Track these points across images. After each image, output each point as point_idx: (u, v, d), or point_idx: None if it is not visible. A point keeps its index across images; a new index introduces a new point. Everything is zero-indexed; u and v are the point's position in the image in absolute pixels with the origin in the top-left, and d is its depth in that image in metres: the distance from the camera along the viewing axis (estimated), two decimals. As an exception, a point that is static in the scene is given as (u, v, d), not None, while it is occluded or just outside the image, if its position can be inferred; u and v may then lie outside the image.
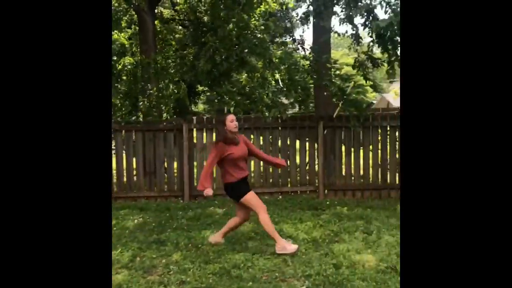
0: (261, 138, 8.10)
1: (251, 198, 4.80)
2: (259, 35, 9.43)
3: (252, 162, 8.05)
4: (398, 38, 6.53)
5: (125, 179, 8.23)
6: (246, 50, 8.78)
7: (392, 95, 24.83)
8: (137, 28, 11.58)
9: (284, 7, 11.61)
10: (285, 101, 10.15)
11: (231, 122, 4.83)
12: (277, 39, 10.69)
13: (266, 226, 4.78)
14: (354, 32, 7.18)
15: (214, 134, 7.71)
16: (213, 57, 8.47)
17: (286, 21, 10.63)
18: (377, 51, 7.56)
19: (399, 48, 6.98)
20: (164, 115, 10.17)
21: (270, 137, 8.17)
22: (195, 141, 8.14)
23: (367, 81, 8.38)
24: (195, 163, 8.19)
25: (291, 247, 4.71)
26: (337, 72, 9.46)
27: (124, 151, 8.30)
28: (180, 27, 12.28)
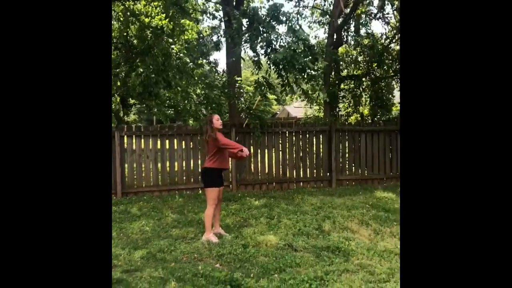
0: (183, 143, 8.00)
1: (209, 191, 4.76)
2: (183, 56, 9.36)
3: (176, 163, 7.94)
4: (290, 67, 6.81)
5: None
6: (174, 71, 8.70)
7: (291, 106, 26.16)
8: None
9: (201, 35, 11.62)
10: (205, 112, 10.15)
11: (217, 120, 4.86)
12: (197, 61, 10.67)
13: (206, 219, 4.72)
14: (256, 59, 7.34)
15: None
16: (144, 82, 8.32)
17: (202, 47, 10.63)
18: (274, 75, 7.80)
19: (290, 74, 7.30)
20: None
21: (191, 142, 8.09)
22: (125, 146, 7.86)
23: (269, 97, 8.62)
24: (126, 165, 7.90)
25: (215, 240, 4.66)
26: (246, 88, 9.62)
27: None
28: (113, 49, 11.82)
